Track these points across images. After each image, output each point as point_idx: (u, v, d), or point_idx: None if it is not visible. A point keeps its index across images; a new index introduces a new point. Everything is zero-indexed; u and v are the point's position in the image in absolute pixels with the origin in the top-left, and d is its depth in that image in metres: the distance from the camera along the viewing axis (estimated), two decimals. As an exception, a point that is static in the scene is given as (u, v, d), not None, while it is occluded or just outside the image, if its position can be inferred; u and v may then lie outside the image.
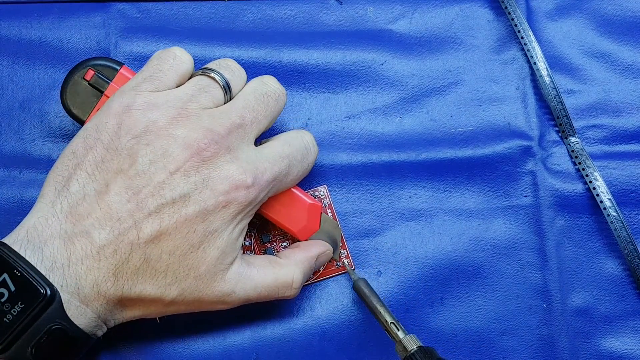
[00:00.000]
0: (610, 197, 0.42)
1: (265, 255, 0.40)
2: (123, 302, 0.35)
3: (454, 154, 0.44)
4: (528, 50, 0.45)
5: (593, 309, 0.42)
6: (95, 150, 0.34)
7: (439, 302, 0.42)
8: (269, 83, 0.38)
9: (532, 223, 0.43)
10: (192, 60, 0.38)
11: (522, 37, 0.45)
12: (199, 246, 0.34)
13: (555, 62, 0.46)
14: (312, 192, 0.43)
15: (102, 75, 0.38)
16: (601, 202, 0.42)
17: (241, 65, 0.43)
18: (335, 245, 0.41)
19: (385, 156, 0.43)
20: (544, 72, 0.44)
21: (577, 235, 0.43)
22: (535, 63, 0.45)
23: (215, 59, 0.44)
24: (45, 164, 0.43)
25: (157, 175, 0.34)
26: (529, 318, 0.42)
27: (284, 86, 0.44)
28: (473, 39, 0.46)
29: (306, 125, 0.44)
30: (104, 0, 0.45)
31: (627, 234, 0.42)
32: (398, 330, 0.37)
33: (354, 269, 0.42)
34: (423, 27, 0.46)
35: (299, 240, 0.41)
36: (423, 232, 0.43)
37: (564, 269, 0.43)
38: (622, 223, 0.42)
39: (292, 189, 0.39)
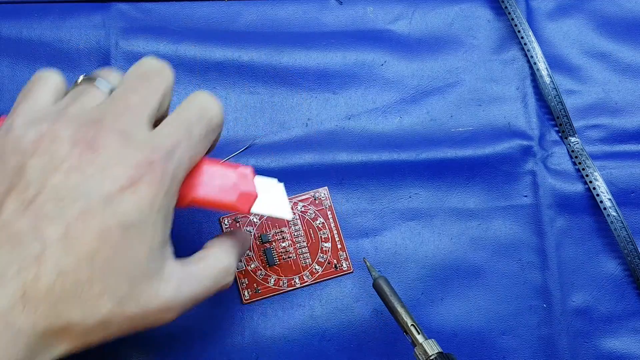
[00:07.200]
0: (610, 197, 0.42)
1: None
2: (46, 333, 0.29)
3: (454, 153, 0.44)
4: (528, 50, 0.45)
5: (593, 309, 0.42)
6: None
7: (439, 302, 0.42)
8: (144, 62, 0.35)
9: (532, 223, 0.43)
10: (61, 76, 0.35)
11: (522, 37, 0.45)
12: (121, 244, 0.30)
13: (555, 62, 0.46)
14: (313, 193, 0.43)
15: None
16: (601, 202, 0.42)
17: (241, 66, 0.43)
18: (283, 200, 0.37)
19: (385, 156, 0.43)
20: (544, 72, 0.44)
21: (577, 235, 0.43)
22: (535, 63, 0.45)
23: (215, 59, 0.44)
24: (45, 164, 0.42)
25: (51, 179, 0.30)
26: (529, 318, 0.42)
27: (284, 86, 0.45)
28: (473, 39, 0.46)
29: (306, 126, 0.44)
30: (104, 0, 0.45)
31: (627, 234, 0.42)
32: (418, 333, 0.36)
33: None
34: (423, 27, 0.46)
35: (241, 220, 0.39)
36: (423, 232, 0.43)
37: (564, 269, 0.43)
38: (622, 223, 0.42)
39: (209, 161, 0.35)
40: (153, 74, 0.35)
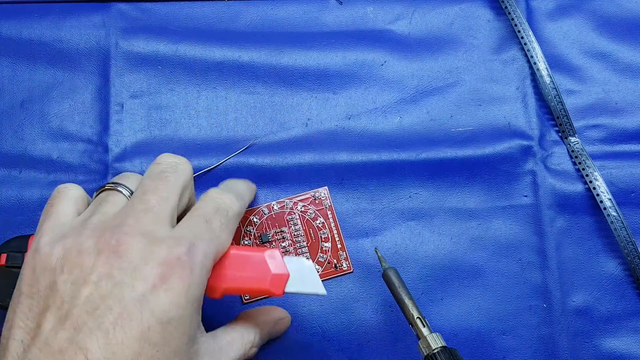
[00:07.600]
0: (610, 197, 0.42)
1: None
2: None
3: (454, 153, 0.44)
4: (528, 50, 0.45)
5: (593, 309, 0.42)
6: (21, 305, 0.32)
7: (439, 302, 0.42)
8: (161, 161, 0.36)
9: (532, 223, 0.43)
10: (81, 188, 0.37)
11: (522, 37, 0.45)
12: (162, 340, 0.31)
13: (555, 62, 0.46)
14: (313, 193, 0.43)
15: (14, 251, 0.37)
16: (601, 202, 0.42)
17: (241, 66, 0.43)
18: (315, 276, 0.37)
19: (385, 156, 0.43)
20: (544, 72, 0.44)
21: (577, 235, 0.43)
22: (535, 63, 0.45)
23: (215, 59, 0.44)
24: (45, 164, 0.43)
25: (83, 291, 0.31)
26: (529, 318, 0.42)
27: (284, 86, 0.45)
28: (473, 39, 0.46)
29: (306, 126, 0.44)
30: (104, 0, 0.45)
31: (627, 234, 0.42)
32: (424, 326, 0.36)
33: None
34: (423, 27, 0.46)
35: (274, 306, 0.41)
36: (423, 232, 0.43)
37: (564, 269, 0.43)
38: (622, 223, 0.42)
39: (237, 249, 0.36)
40: (169, 171, 0.36)
